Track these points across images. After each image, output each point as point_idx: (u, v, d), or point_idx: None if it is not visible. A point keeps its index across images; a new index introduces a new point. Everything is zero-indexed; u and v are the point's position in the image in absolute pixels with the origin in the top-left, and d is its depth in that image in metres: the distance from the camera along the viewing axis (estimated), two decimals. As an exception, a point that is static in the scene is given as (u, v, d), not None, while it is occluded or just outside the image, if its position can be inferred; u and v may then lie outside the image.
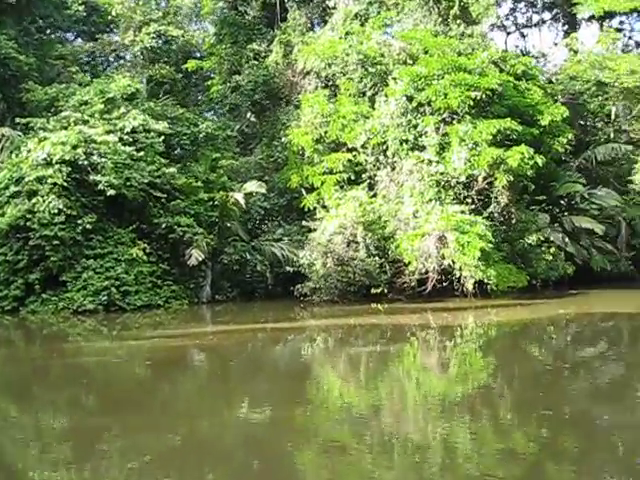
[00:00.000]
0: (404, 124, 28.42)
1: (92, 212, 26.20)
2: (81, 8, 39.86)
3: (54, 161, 25.17)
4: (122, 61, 43.33)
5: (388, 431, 10.13)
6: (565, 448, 9.27)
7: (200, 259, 26.80)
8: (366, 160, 29.70)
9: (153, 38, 38.58)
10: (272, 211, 32.19)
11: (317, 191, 30.07)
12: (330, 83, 33.21)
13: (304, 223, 29.07)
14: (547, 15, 46.52)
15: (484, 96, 27.39)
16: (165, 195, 27.71)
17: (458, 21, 32.65)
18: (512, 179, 26.33)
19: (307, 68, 33.99)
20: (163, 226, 27.22)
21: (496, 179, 26.43)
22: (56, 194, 25.08)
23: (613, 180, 33.27)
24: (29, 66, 32.55)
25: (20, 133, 28.36)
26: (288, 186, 31.52)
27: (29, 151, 25.90)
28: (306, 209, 30.09)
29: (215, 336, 20.10)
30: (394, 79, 29.36)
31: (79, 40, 44.58)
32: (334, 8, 35.90)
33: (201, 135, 31.05)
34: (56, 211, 24.90)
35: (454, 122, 27.61)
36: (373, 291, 26.17)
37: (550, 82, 34.86)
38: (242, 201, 28.56)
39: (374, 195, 28.92)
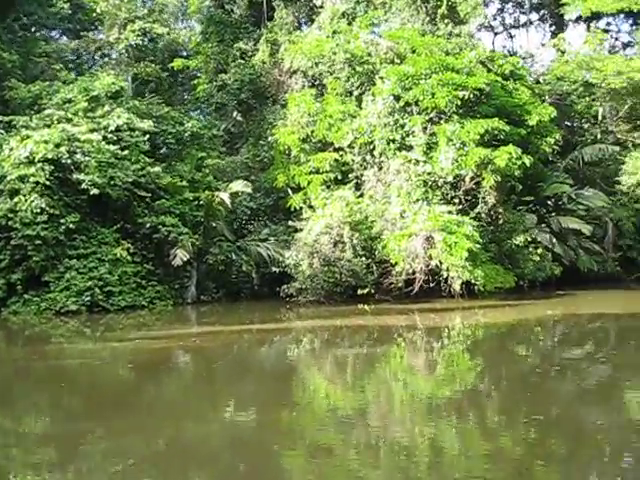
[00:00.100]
0: (391, 124, 28.29)
1: (75, 211, 25.87)
2: (66, 6, 39.39)
3: (37, 159, 24.79)
4: (107, 59, 42.93)
5: (375, 433, 10.08)
6: (552, 449, 9.23)
7: (185, 259, 26.55)
8: (353, 160, 29.57)
9: (138, 36, 38.25)
10: (258, 211, 31.99)
11: (303, 191, 29.89)
12: (317, 82, 33.09)
13: (290, 223, 28.88)
14: (534, 16, 46.72)
15: (472, 96, 27.32)
16: (150, 194, 27.40)
17: (446, 20, 32.61)
18: (500, 179, 26.29)
19: (294, 67, 33.84)
20: (147, 226, 26.93)
21: (483, 179, 26.37)
22: (38, 193, 24.72)
23: (600, 181, 33.32)
24: (12, 63, 32.11)
25: (2, 131, 27.90)
26: (274, 186, 31.31)
27: (11, 149, 25.48)
28: (292, 209, 29.91)
29: (200, 337, 19.87)
30: (381, 78, 29.26)
31: (64, 38, 44.14)
32: (321, 7, 35.72)
33: (186, 134, 30.73)
34: (38, 210, 24.55)
35: (441, 122, 27.53)
36: (360, 292, 26.04)
37: (537, 82, 34.86)
38: (228, 201, 28.34)
39: (361, 195, 28.79)
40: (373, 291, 26.40)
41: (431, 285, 25.56)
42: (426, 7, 33.13)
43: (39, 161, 24.82)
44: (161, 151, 30.87)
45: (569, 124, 35.40)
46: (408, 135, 28.07)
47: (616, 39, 42.37)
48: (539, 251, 28.10)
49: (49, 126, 26.51)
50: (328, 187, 29.20)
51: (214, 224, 28.94)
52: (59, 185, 25.56)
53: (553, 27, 44.15)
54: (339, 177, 29.63)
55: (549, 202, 31.16)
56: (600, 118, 35.87)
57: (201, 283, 28.07)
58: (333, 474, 8.58)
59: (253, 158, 34.15)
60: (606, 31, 40.54)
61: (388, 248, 26.13)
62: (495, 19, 46.20)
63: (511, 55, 37.07)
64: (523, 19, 46.77)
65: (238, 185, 29.57)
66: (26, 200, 24.59)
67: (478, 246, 25.06)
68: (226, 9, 38.95)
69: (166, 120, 31.04)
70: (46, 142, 25.09)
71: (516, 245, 27.54)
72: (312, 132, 30.25)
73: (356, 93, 30.86)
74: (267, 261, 28.31)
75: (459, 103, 27.08)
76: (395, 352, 17.79)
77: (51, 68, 34.26)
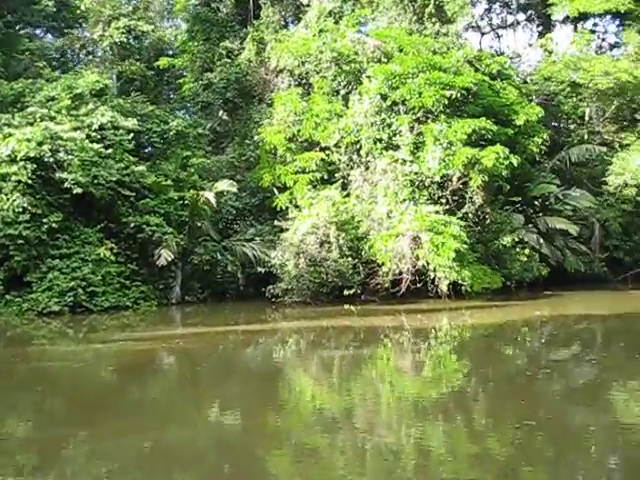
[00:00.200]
0: (378, 123, 28.16)
1: (58, 211, 25.57)
2: (51, 3, 39.02)
3: (19, 158, 24.48)
4: (92, 57, 42.57)
5: (361, 435, 9.96)
6: (539, 450, 9.15)
7: (170, 259, 26.32)
8: (339, 159, 29.42)
9: (123, 33, 37.99)
10: (244, 211, 31.82)
11: (289, 190, 29.71)
12: (303, 81, 32.89)
13: (276, 223, 28.71)
14: (522, 16, 46.84)
15: (459, 95, 27.27)
16: (134, 194, 27.13)
17: (433, 19, 32.60)
18: (487, 179, 26.22)
19: (280, 66, 33.63)
20: (132, 225, 26.68)
21: (471, 179, 26.29)
22: (20, 192, 24.43)
23: (587, 181, 33.38)
24: (-5, 61, 31.83)
25: (-16, 129, 27.56)
26: (260, 185, 31.11)
27: (-7, 147, 25.17)
28: (278, 209, 29.72)
29: (184, 339, 19.63)
30: (368, 77, 29.11)
31: (49, 36, 43.79)
32: (308, 5, 35.55)
33: (171, 133, 30.47)
34: (20, 209, 24.28)
35: (429, 121, 27.43)
36: (346, 292, 25.92)
37: (525, 82, 34.86)
38: (213, 200, 28.11)
39: (347, 195, 28.64)
40: (359, 292, 26.30)
41: (418, 286, 25.44)
42: (413, 6, 33.07)
43: (21, 159, 24.53)
44: (146, 150, 30.68)
45: (556, 124, 35.37)
46: (395, 134, 27.94)
47: (603, 40, 42.46)
48: (526, 251, 28.05)
49: (32, 124, 26.20)
50: (314, 187, 29.03)
51: (199, 224, 28.73)
52: (42, 184, 25.27)
53: (540, 27, 44.26)
54: (325, 177, 29.49)
55: (536, 202, 31.11)
56: (587, 119, 35.92)
57: (186, 283, 27.83)
58: (319, 476, 8.52)
59: (239, 157, 33.94)
60: (593, 32, 40.63)
61: (375, 248, 25.98)
62: (482, 19, 46.35)
63: (498, 55, 37.01)
64: (510, 19, 46.99)
65: (223, 184, 29.35)
66: (8, 199, 24.33)
67: (465, 246, 24.97)
68: (212, 7, 38.70)
69: (151, 118, 30.79)
70: (29, 140, 24.79)
71: (503, 245, 27.47)
72: (298, 131, 30.08)
73: (343, 92, 30.73)
74: (253, 261, 28.11)
75: (446, 102, 27.00)
76: (382, 353, 17.64)
77: (34, 66, 33.94)
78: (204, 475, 8.64)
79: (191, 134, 32.00)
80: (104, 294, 25.39)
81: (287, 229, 27.46)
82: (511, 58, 37.99)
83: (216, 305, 27.25)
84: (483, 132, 26.67)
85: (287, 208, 29.01)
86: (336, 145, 29.29)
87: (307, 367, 16.10)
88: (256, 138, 32.21)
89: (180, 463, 8.84)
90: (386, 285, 25.98)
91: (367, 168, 28.63)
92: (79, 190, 25.08)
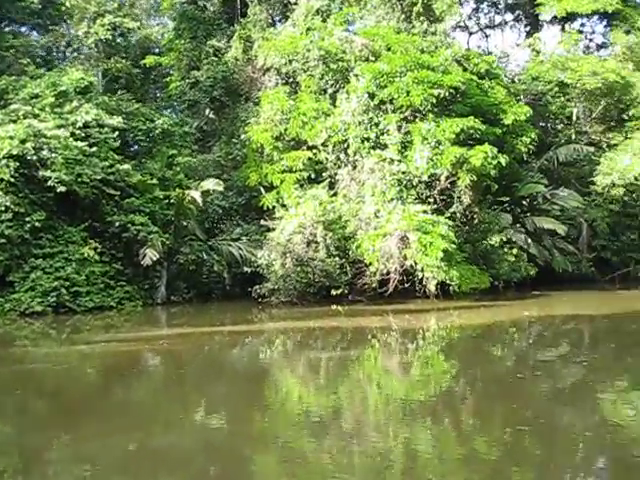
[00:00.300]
0: (366, 122, 28.00)
1: (41, 209, 25.27)
2: (36, 0, 38.61)
3: (1, 156, 24.16)
4: (77, 54, 42.17)
5: (348, 436, 9.86)
6: (527, 451, 9.14)
7: (155, 259, 26.05)
8: (327, 158, 29.21)
9: (108, 30, 37.70)
10: (230, 210, 31.64)
11: (276, 190, 29.51)
12: (291, 80, 32.65)
13: (263, 222, 28.54)
14: (509, 16, 46.95)
15: (447, 94, 27.19)
16: (119, 192, 26.86)
17: (421, 18, 32.51)
18: (475, 179, 26.16)
19: (267, 64, 33.38)
20: (116, 224, 26.40)
21: (459, 178, 26.21)
22: (3, 190, 24.12)
23: (575, 181, 33.47)
24: (-23, 57, 31.42)
25: (-34, 126, 27.19)
26: (247, 184, 30.91)
27: (-25, 145, 24.83)
28: (265, 208, 29.54)
29: (169, 340, 19.38)
30: (356, 76, 28.95)
31: (35, 34, 43.30)
32: (295, 4, 35.31)
33: (157, 131, 30.17)
34: (3, 208, 23.98)
35: (416, 120, 27.33)
36: (333, 292, 25.75)
37: (513, 82, 34.87)
38: (199, 199, 27.88)
39: (335, 194, 28.46)
40: (347, 292, 26.15)
41: (406, 286, 25.33)
42: (401, 5, 32.99)
43: (4, 157, 24.25)
44: (131, 148, 30.46)
45: (544, 124, 35.39)
46: (383, 133, 27.81)
47: (591, 40, 42.63)
48: (514, 251, 28.07)
49: (15, 121, 25.84)
50: (301, 186, 28.83)
51: (185, 223, 28.52)
52: (24, 182, 24.98)
53: (528, 27, 44.29)
54: (312, 176, 29.31)
55: (524, 202, 31.13)
56: (575, 118, 36.00)
57: (171, 283, 27.59)
58: (305, 476, 8.48)
59: (225, 156, 33.73)
60: (581, 32, 40.84)
61: (362, 248, 25.83)
62: (470, 19, 46.38)
63: (486, 55, 36.97)
64: (498, 19, 47.11)
65: (210, 183, 29.12)
66: (-10, 197, 23.96)
67: (453, 246, 24.87)
68: (199, 5, 38.61)
69: (136, 117, 30.51)
70: (11, 138, 24.51)
71: (491, 245, 27.46)
72: (285, 130, 29.84)
73: (330, 91, 30.53)
74: (239, 261, 27.91)
75: (434, 101, 26.92)
76: (369, 354, 17.53)
77: (18, 62, 33.48)
78: (190, 476, 8.55)
79: (177, 132, 31.72)
80: (88, 294, 25.10)
81: (274, 229, 27.25)
82: (499, 57, 37.98)
83: (202, 305, 27.03)
84: (471, 131, 26.60)
85: (274, 207, 28.82)
86: (323, 144, 29.09)
87: (294, 368, 15.96)
88: (243, 137, 31.97)
89: (165, 465, 8.78)
90: (374, 285, 25.86)
91: (354, 167, 28.45)
92: (63, 188, 24.78)
